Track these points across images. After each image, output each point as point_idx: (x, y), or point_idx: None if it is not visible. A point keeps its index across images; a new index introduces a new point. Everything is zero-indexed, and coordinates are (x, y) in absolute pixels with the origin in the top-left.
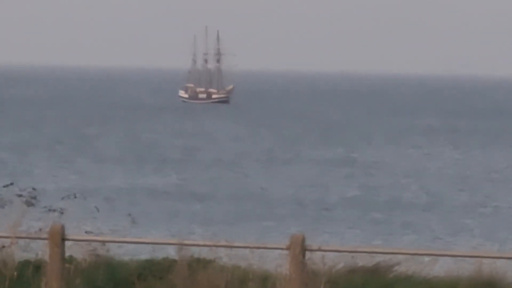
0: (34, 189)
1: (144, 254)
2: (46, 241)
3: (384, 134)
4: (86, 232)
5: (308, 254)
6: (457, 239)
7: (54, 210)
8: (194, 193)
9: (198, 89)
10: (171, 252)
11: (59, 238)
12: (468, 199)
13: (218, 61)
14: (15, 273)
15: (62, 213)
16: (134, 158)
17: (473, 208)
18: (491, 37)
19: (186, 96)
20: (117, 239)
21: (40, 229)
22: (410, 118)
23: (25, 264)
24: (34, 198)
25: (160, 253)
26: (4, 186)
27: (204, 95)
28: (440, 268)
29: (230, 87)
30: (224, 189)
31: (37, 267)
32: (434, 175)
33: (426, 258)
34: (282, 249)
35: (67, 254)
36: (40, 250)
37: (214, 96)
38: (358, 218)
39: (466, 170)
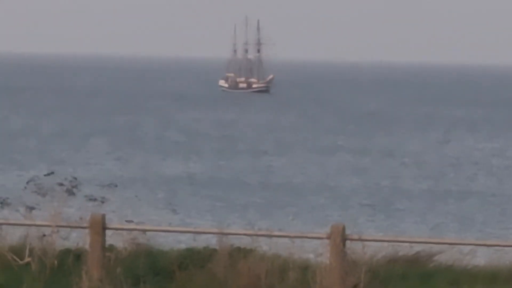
0: (75, 178)
1: (184, 243)
2: (86, 230)
3: (423, 124)
4: (126, 221)
5: (348, 243)
6: (497, 229)
7: (95, 199)
8: (233, 182)
9: (238, 79)
10: (211, 241)
11: (99, 227)
12: (510, 189)
13: (258, 50)
14: (56, 262)
15: (103, 202)
16: (173, 147)
17: None
18: None
19: (226, 85)
20: (157, 228)
21: (81, 218)
22: (450, 108)
23: (66, 252)
24: (75, 187)
25: (201, 242)
26: (45, 175)
27: (244, 85)
28: (480, 258)
29: (270, 76)
30: (263, 178)
31: (78, 255)
32: (475, 165)
33: (467, 248)
34: (322, 238)
35: (107, 243)
36: (81, 239)
37: (254, 85)
38: (397, 207)
39: (508, 161)
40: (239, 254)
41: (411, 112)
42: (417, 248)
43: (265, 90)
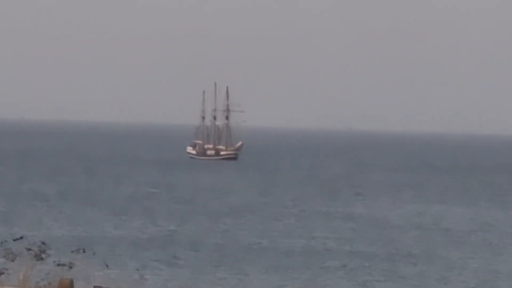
0: (43, 243)
1: None
2: None
3: (381, 189)
4: (94, 286)
5: None
6: None
7: (63, 265)
8: (195, 243)
9: (207, 146)
10: None
11: None
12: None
13: (227, 117)
14: None
15: (71, 267)
16: (140, 211)
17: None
18: None
19: (194, 152)
20: None
21: (50, 283)
22: (414, 175)
23: None
24: (44, 252)
25: None
26: (14, 240)
27: (212, 152)
28: None
29: (239, 143)
30: (220, 241)
31: None
32: (448, 231)
33: None
34: None
35: None
36: None
37: (222, 152)
38: (367, 273)
39: (474, 227)
40: None
41: (372, 176)
42: None
43: (233, 158)
